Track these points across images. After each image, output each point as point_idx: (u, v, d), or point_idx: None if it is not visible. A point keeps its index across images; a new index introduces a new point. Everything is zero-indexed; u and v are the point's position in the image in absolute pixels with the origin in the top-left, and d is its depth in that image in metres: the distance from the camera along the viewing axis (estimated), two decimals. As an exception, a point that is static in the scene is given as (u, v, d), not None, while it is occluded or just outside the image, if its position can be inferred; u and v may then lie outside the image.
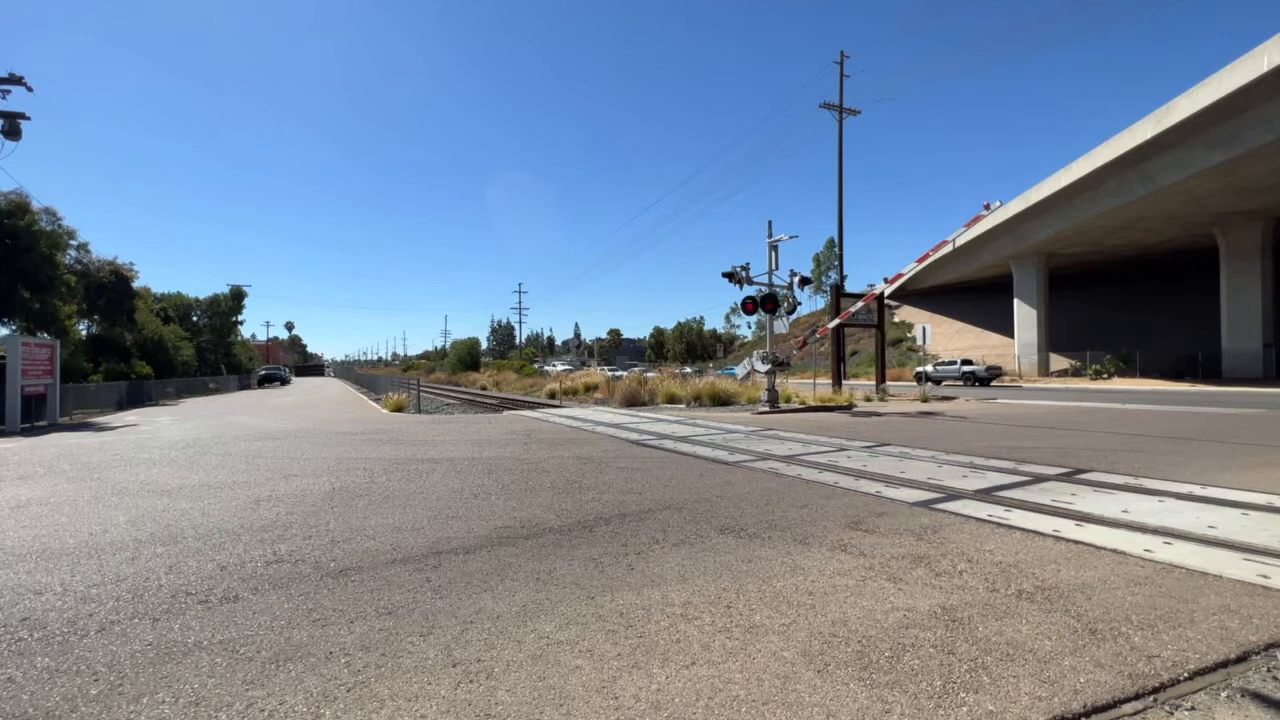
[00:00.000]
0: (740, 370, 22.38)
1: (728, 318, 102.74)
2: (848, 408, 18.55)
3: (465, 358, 77.94)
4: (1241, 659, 2.74)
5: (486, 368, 66.45)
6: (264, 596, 3.58)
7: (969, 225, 19.31)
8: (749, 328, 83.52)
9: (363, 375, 55.83)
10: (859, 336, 49.61)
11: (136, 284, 32.95)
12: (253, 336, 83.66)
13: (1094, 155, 30.62)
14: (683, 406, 19.77)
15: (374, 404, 25.07)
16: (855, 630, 3.05)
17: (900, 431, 11.82)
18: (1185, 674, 2.61)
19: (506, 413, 19.60)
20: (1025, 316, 41.17)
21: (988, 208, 18.72)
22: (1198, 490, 6.04)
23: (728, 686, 2.54)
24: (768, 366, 17.98)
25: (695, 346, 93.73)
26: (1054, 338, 41.12)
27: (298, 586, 3.74)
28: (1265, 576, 3.68)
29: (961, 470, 7.38)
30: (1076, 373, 38.48)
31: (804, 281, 19.10)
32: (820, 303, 72.75)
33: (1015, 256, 40.64)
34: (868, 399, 21.42)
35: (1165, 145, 27.10)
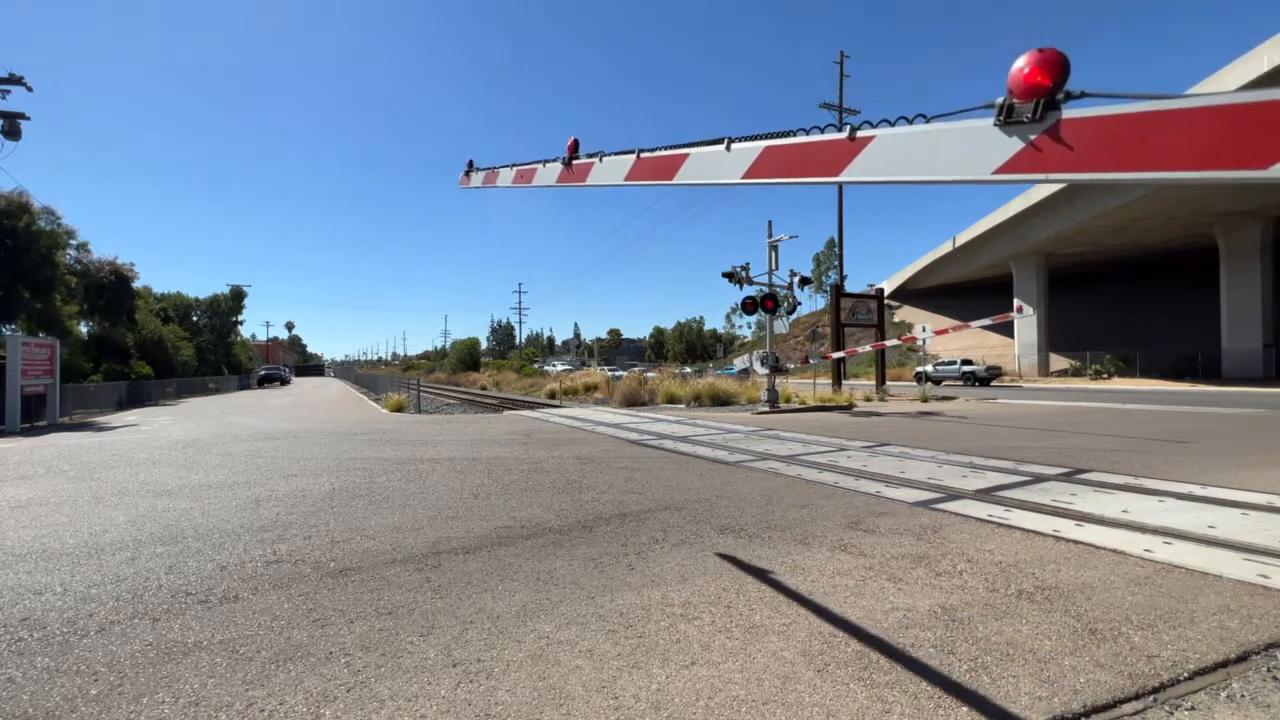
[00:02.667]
0: (739, 364, 22.40)
1: (728, 318, 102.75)
2: (848, 408, 18.56)
3: (465, 358, 77.98)
4: (1241, 659, 2.74)
5: (486, 368, 66.47)
6: (264, 596, 3.58)
7: (996, 319, 19.81)
8: (749, 328, 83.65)
9: (363, 375, 55.84)
10: (859, 336, 49.63)
11: (136, 284, 32.92)
12: (253, 336, 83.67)
13: (1094, 155, 30.60)
14: (683, 406, 19.77)
15: (374, 404, 25.07)
16: (855, 630, 3.05)
17: (900, 431, 11.82)
18: (1185, 674, 2.61)
19: (506, 413, 19.60)
20: (1025, 316, 41.20)
21: (1019, 310, 19.57)
22: (1197, 490, 6.04)
23: (728, 686, 2.54)
24: (766, 370, 18.00)
25: (695, 346, 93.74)
26: (1054, 338, 41.13)
27: (298, 586, 3.74)
28: (1265, 576, 3.68)
29: (961, 470, 7.38)
30: (1076, 373, 38.48)
31: (804, 281, 19.10)
32: (820, 302, 72.80)
33: (1015, 256, 40.66)
34: (868, 399, 21.42)
35: (1165, 145, 27.08)
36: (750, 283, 17.86)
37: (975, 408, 18.06)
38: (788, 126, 2.46)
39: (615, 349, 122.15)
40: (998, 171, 1.70)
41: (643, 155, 3.21)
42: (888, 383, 25.97)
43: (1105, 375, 35.99)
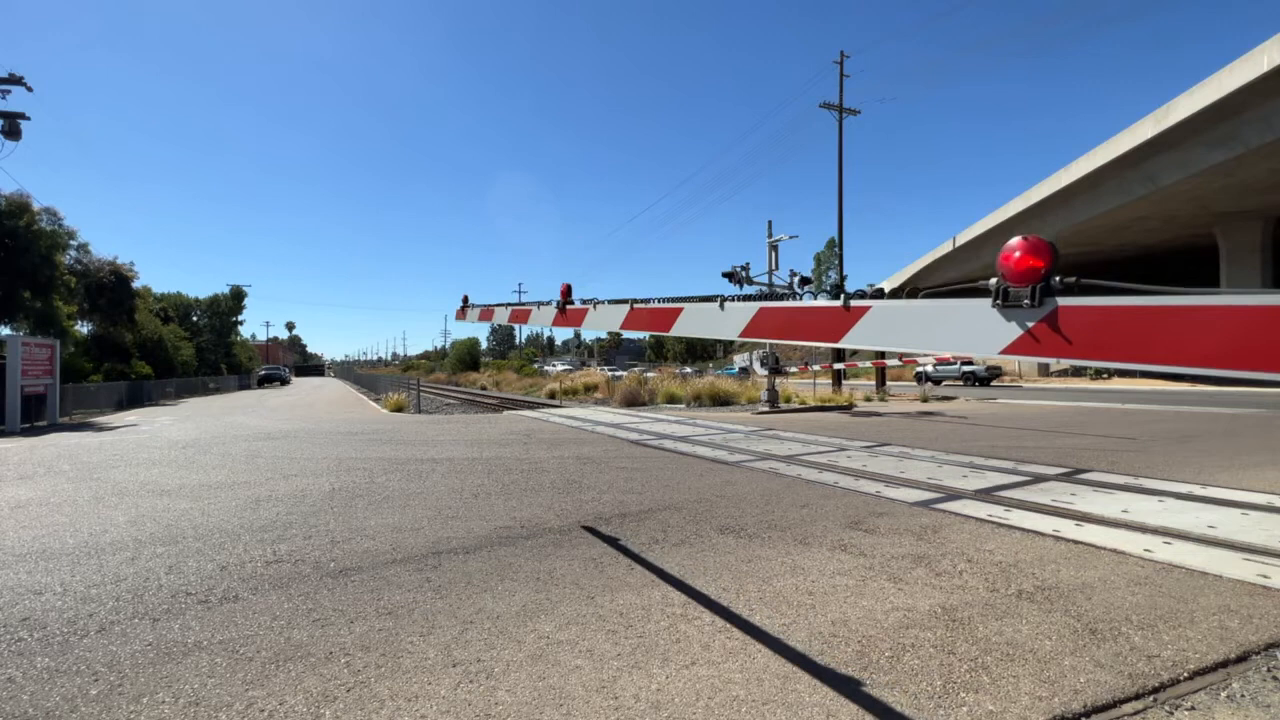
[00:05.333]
0: (739, 362, 22.37)
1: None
2: (848, 408, 18.55)
3: (465, 358, 77.95)
4: (1241, 659, 2.74)
5: (486, 368, 66.45)
6: (264, 596, 3.58)
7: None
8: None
9: (363, 375, 55.80)
10: (859, 336, 49.53)
11: (136, 284, 32.88)
12: (253, 336, 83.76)
13: (1094, 155, 30.62)
14: (683, 406, 19.77)
15: (374, 404, 25.07)
16: (855, 630, 3.05)
17: (900, 431, 11.82)
18: (1185, 674, 2.61)
19: (506, 413, 19.60)
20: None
21: None
22: (1197, 490, 6.04)
23: (728, 686, 2.54)
24: (766, 370, 18.03)
25: (695, 346, 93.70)
26: (1054, 338, 41.02)
27: (298, 586, 3.74)
28: (1265, 576, 3.68)
29: (961, 470, 7.38)
30: (1076, 372, 38.49)
31: (804, 281, 19.15)
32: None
33: (1015, 256, 40.57)
34: (868, 399, 21.42)
35: (1165, 145, 27.10)
36: (750, 282, 17.85)
37: (975, 408, 18.05)
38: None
39: (615, 349, 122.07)
40: (1003, 352, 1.70)
41: (636, 306, 3.33)
42: (888, 383, 25.97)
43: (1105, 375, 36.01)
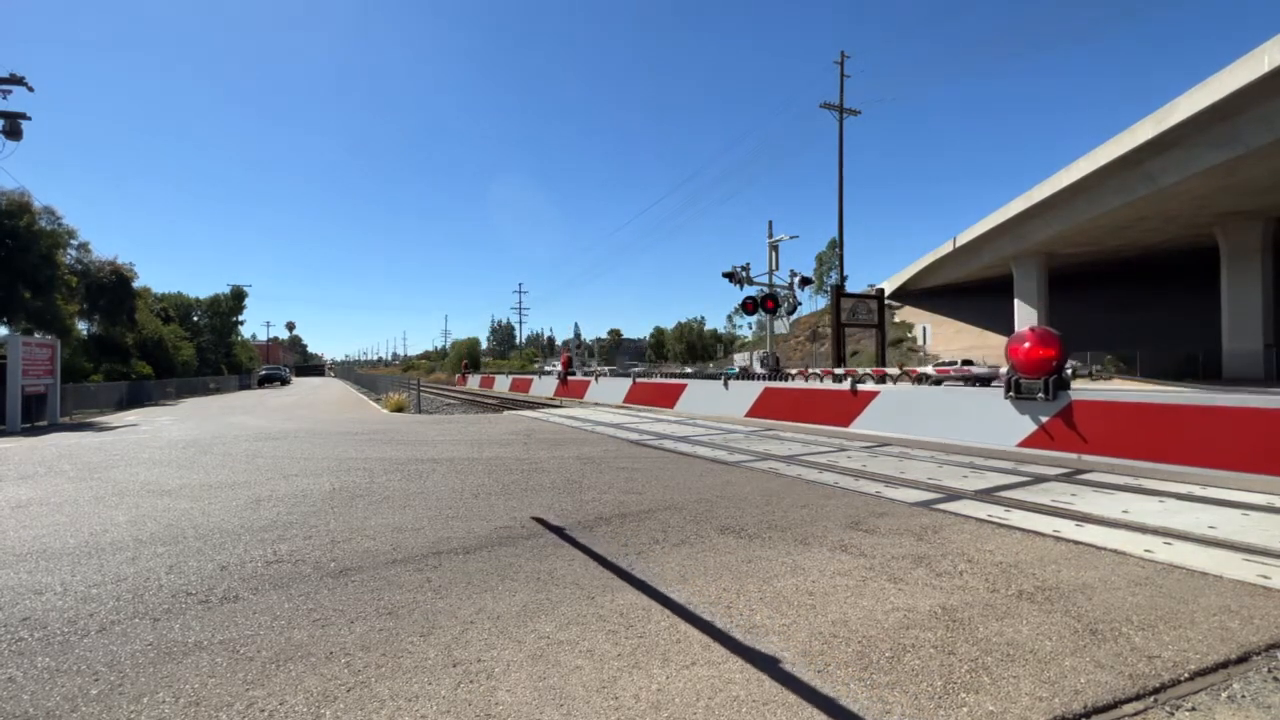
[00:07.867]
0: (739, 361, 22.43)
1: (729, 318, 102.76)
2: (848, 408, 18.54)
3: (466, 358, 78.05)
4: (1242, 659, 2.74)
5: (487, 368, 66.53)
6: (264, 596, 3.58)
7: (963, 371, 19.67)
8: (749, 328, 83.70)
9: (363, 375, 55.85)
10: (859, 336, 49.64)
11: (137, 284, 32.97)
12: (253, 336, 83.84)
13: (1095, 155, 30.63)
14: (683, 406, 19.75)
15: (374, 404, 25.08)
16: (856, 630, 3.04)
17: (900, 432, 11.80)
18: (1186, 674, 2.61)
19: (507, 413, 19.58)
20: (1025, 316, 41.18)
21: (981, 361, 20.04)
22: (1197, 490, 6.03)
23: (728, 687, 2.54)
24: (765, 372, 18.04)
25: (695, 346, 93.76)
26: (1054, 338, 41.02)
27: (298, 586, 3.74)
28: (1265, 577, 3.67)
29: (961, 470, 7.38)
30: (1076, 373, 38.50)
31: (805, 281, 19.10)
32: (821, 302, 72.83)
33: (1015, 256, 40.64)
34: (868, 399, 21.40)
35: (1166, 145, 27.10)
36: (750, 283, 17.86)
37: (975, 408, 18.05)
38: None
39: (615, 349, 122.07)
40: (1019, 445, 1.67)
41: (639, 381, 3.41)
42: (888, 384, 25.98)
43: (1105, 376, 36.02)
